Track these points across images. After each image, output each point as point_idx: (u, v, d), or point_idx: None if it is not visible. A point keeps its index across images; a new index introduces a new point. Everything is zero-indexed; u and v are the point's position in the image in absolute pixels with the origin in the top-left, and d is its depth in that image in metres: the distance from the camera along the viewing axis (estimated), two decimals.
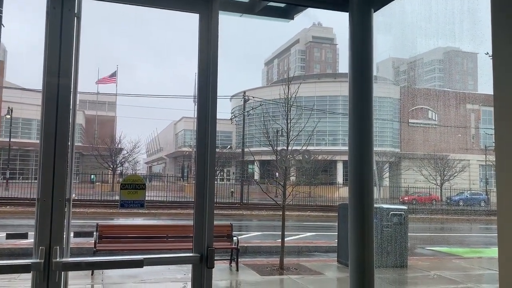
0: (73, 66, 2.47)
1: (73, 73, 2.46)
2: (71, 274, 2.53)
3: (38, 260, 2.22)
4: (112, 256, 2.95)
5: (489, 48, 1.93)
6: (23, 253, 9.83)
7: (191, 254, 2.51)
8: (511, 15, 1.78)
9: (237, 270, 8.99)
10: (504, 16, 1.81)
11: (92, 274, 7.84)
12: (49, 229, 2.26)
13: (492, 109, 1.89)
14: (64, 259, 2.29)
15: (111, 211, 20.32)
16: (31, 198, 19.94)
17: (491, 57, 1.90)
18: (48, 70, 2.38)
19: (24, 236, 2.86)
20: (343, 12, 3.04)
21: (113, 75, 45.73)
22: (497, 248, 1.79)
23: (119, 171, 37.56)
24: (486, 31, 1.96)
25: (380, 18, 3.13)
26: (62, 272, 2.30)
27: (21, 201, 22.00)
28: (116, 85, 45.89)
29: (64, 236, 2.35)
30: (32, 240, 2.30)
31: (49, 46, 2.39)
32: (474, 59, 56.68)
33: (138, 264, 2.40)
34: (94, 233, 8.47)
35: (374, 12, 2.97)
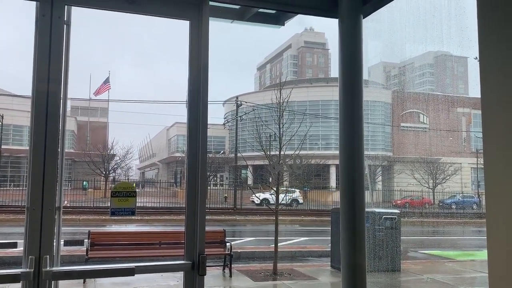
0: (63, 72, 2.46)
1: (63, 80, 2.45)
2: (62, 283, 2.51)
3: (27, 270, 2.19)
4: (104, 264, 2.93)
5: (476, 53, 1.96)
6: (14, 261, 9.71)
7: (182, 262, 2.50)
8: (497, 23, 1.81)
9: (231, 276, 8.95)
10: (490, 22, 1.84)
11: (84, 282, 7.76)
12: (39, 238, 2.24)
13: None
14: (54, 268, 2.26)
15: (104, 217, 20.17)
16: (22, 206, 19.74)
17: (479, 62, 1.93)
18: (37, 77, 2.37)
19: (13, 245, 2.83)
20: (333, 19, 3.06)
21: (107, 81, 45.55)
22: None
23: (112, 177, 37.32)
24: (473, 36, 1.99)
25: (369, 24, 3.16)
26: (53, 282, 2.28)
27: (12, 209, 21.78)
28: (109, 91, 45.73)
29: (54, 244, 2.32)
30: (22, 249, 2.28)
31: (38, 53, 2.38)
32: (464, 63, 57.31)
33: (130, 272, 2.38)
34: (86, 240, 8.40)
35: (364, 18, 2.99)
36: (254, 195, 19.43)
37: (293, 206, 30.83)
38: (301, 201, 32.82)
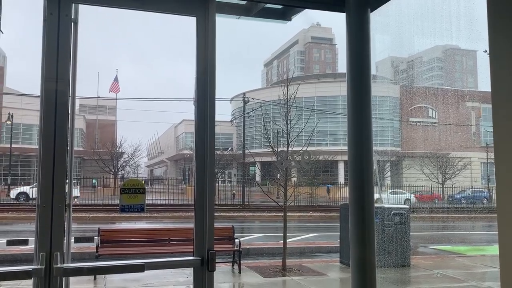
0: (71, 71, 2.47)
1: (71, 78, 2.46)
2: (73, 279, 2.53)
3: (39, 266, 2.21)
4: (114, 261, 2.95)
5: (486, 46, 1.94)
6: (25, 258, 9.83)
7: (191, 258, 2.51)
8: (507, 15, 1.78)
9: (240, 272, 8.98)
10: (501, 15, 1.81)
11: (94, 279, 7.83)
12: (50, 235, 2.26)
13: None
14: (65, 265, 2.28)
15: (113, 215, 20.33)
16: (32, 204, 19.96)
17: (489, 55, 1.90)
18: (46, 76, 2.38)
19: (25, 242, 2.87)
20: (340, 13, 3.04)
21: (116, 79, 45.79)
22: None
23: (121, 175, 37.57)
24: (483, 29, 1.96)
25: (377, 17, 3.13)
26: (64, 278, 2.30)
27: (23, 207, 22.03)
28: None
29: (65, 241, 2.34)
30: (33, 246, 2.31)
31: (46, 51, 2.39)
32: (473, 56, 56.70)
33: (139, 268, 2.40)
34: (96, 237, 8.47)
35: (371, 12, 2.97)
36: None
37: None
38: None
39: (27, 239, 2.97)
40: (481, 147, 37.84)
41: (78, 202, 24.41)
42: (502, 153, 1.81)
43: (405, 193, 31.31)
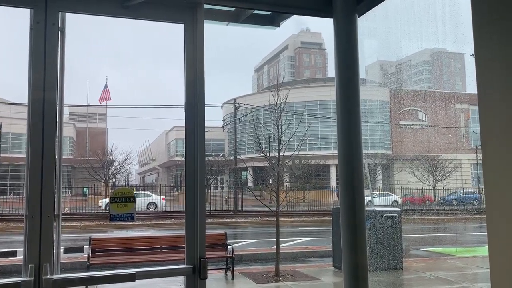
0: (59, 79, 2.45)
1: (58, 87, 2.44)
2: None
3: (27, 278, 2.18)
4: (105, 271, 2.92)
5: (472, 49, 1.96)
6: (15, 270, 9.68)
7: (183, 266, 2.49)
8: (492, 19, 1.81)
9: (233, 278, 8.94)
10: (485, 19, 1.84)
11: None
12: (38, 246, 2.23)
13: None
14: (54, 276, 2.25)
15: (105, 223, 20.12)
16: (22, 214, 19.68)
17: (475, 58, 1.92)
18: (33, 85, 2.36)
19: (12, 254, 2.82)
20: (328, 18, 3.06)
21: (105, 87, 45.49)
22: None
23: (112, 183, 37.25)
24: (469, 33, 1.99)
25: (364, 22, 3.16)
26: None
27: (13, 217, 21.72)
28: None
29: (54, 252, 2.31)
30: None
31: (33, 60, 2.37)
32: (461, 59, 57.44)
33: (130, 278, 2.38)
34: (86, 247, 8.39)
35: (358, 17, 2.99)
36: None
37: None
38: None
39: (15, 251, 2.92)
40: (471, 148, 38.23)
41: (68, 211, 24.18)
42: (490, 155, 1.83)
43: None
